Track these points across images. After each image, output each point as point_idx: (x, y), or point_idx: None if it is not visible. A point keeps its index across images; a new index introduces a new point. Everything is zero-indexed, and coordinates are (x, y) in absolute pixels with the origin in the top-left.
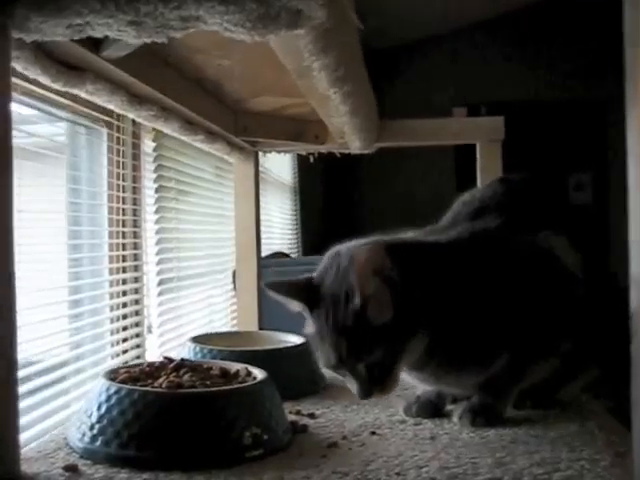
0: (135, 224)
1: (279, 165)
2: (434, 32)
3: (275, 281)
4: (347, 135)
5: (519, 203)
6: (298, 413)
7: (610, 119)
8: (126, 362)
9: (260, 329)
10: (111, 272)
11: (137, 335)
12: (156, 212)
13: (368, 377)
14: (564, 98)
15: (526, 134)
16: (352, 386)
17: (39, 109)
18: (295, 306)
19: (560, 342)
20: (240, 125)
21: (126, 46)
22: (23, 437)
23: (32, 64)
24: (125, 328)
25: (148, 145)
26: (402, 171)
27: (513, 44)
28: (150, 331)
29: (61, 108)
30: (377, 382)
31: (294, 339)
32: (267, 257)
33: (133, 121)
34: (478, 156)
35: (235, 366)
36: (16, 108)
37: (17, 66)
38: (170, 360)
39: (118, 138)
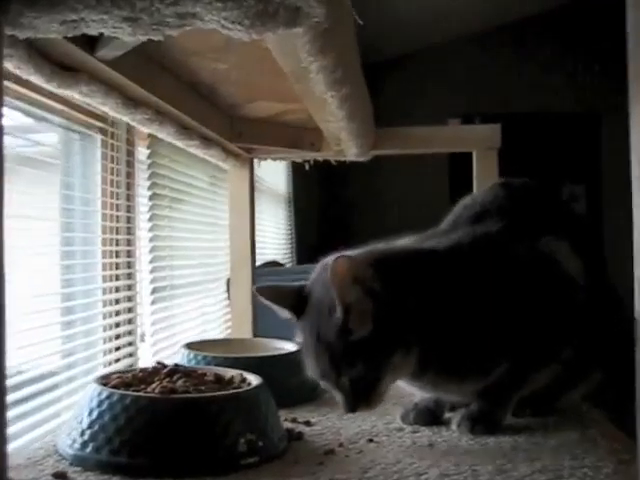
0: (129, 231)
1: (273, 174)
2: (423, 45)
3: (265, 286)
4: (343, 141)
5: (520, 207)
6: (294, 421)
7: (604, 131)
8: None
9: (254, 337)
10: (104, 279)
11: (130, 344)
12: (150, 220)
13: (352, 391)
14: (558, 110)
15: (520, 146)
16: (338, 399)
17: (32, 115)
18: (284, 313)
19: (561, 349)
20: (235, 131)
21: (121, 46)
22: (12, 447)
23: (25, 63)
24: (118, 336)
25: (142, 152)
26: (396, 180)
27: (506, 57)
28: (143, 340)
29: (55, 114)
30: (361, 397)
31: (289, 346)
32: (261, 266)
33: (127, 128)
34: (474, 164)
35: (229, 372)
36: (9, 114)
37: (10, 65)
38: (163, 365)
39: (112, 145)
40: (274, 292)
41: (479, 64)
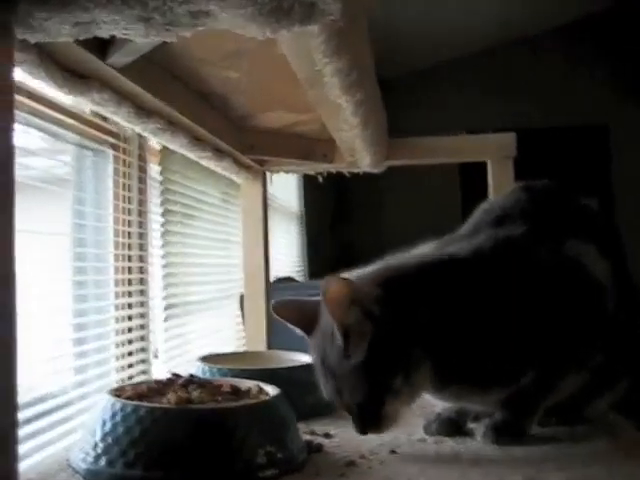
0: (141, 248)
1: (285, 190)
2: (434, 62)
3: (281, 303)
4: (357, 151)
5: (544, 210)
6: (312, 433)
7: (614, 144)
8: None
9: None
10: (116, 296)
11: (143, 361)
12: (162, 236)
13: (359, 415)
14: (569, 124)
15: (532, 160)
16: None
17: (44, 130)
18: (297, 330)
19: (588, 355)
20: (247, 143)
21: (132, 51)
22: (23, 465)
23: (37, 68)
24: (130, 353)
25: (154, 169)
26: (408, 194)
27: (514, 73)
28: (156, 356)
29: (67, 129)
30: (369, 421)
31: (305, 358)
32: (276, 282)
33: (139, 144)
34: (490, 174)
35: (246, 383)
36: (22, 131)
37: (22, 70)
38: (178, 377)
39: (124, 161)
40: (288, 309)
41: (489, 80)
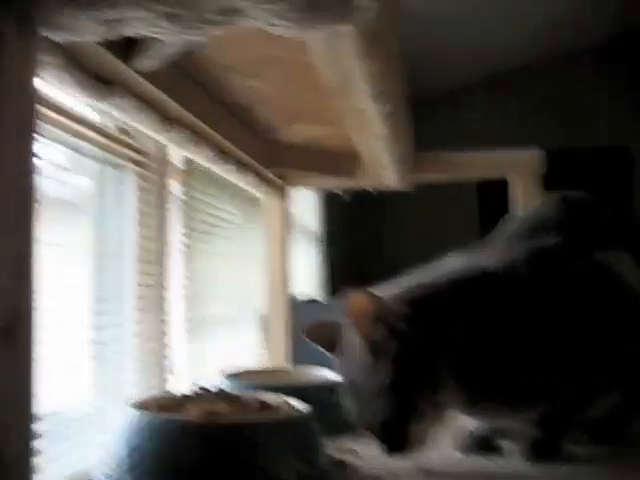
0: (162, 265)
1: (304, 209)
2: (460, 84)
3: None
4: (383, 165)
5: (580, 220)
6: (339, 450)
7: (636, 164)
8: None
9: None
10: (135, 311)
11: (162, 378)
12: (183, 254)
13: (382, 435)
14: (588, 144)
15: (556, 180)
16: None
17: (66, 144)
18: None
19: (624, 371)
20: (270, 156)
21: (158, 55)
22: None
23: (62, 71)
24: (148, 368)
25: (175, 186)
26: (428, 211)
27: (535, 96)
28: (174, 374)
29: (89, 143)
30: (395, 441)
31: (330, 374)
32: (302, 303)
33: (161, 161)
34: (515, 190)
35: (275, 399)
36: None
37: (47, 74)
38: (204, 390)
39: (146, 178)
40: (319, 332)
41: (508, 103)
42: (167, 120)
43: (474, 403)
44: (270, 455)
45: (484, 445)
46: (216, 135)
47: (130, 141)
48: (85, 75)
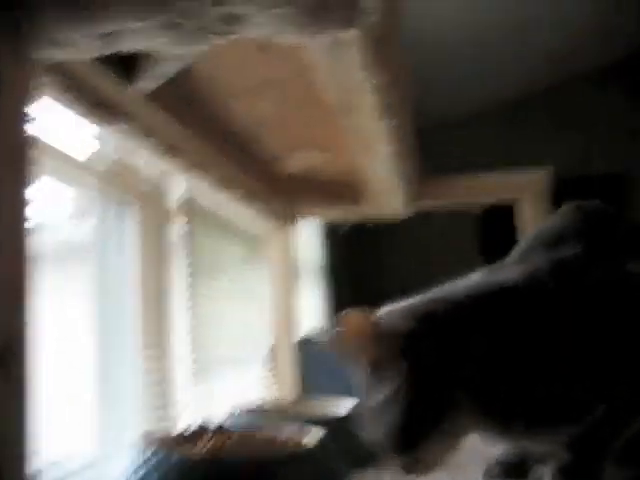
0: (165, 304)
1: (305, 244)
2: (458, 112)
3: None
4: (388, 190)
5: (599, 229)
6: None
7: (629, 193)
8: None
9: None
10: (139, 349)
11: (166, 419)
12: (187, 293)
13: (397, 451)
14: (580, 173)
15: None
16: None
17: (67, 181)
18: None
19: None
20: (274, 187)
21: (159, 74)
22: None
23: (63, 94)
24: (154, 407)
25: (178, 225)
26: (429, 240)
27: (532, 123)
28: (180, 415)
29: (91, 181)
30: (410, 464)
31: (346, 404)
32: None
33: (163, 200)
34: (523, 212)
35: (284, 432)
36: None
37: (47, 95)
38: (208, 427)
39: (148, 216)
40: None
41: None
42: (170, 147)
43: (495, 427)
44: None
45: (511, 471)
46: (219, 164)
47: (131, 179)
48: (87, 99)
